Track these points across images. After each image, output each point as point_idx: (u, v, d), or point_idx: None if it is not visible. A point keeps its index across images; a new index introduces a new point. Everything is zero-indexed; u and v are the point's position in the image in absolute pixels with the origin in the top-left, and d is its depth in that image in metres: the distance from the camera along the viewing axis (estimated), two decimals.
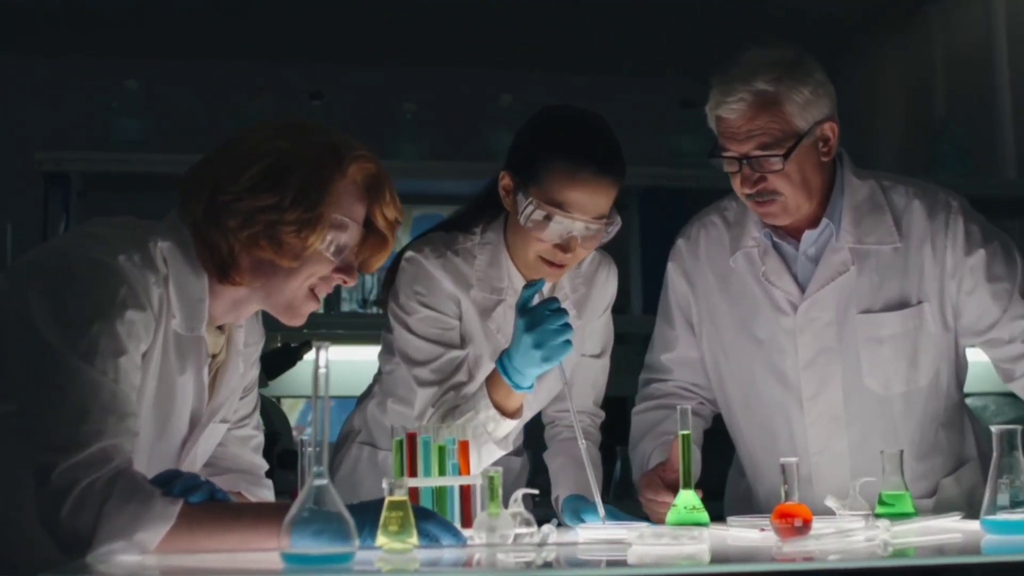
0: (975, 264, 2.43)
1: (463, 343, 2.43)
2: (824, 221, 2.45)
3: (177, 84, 4.57)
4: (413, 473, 2.08)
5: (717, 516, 2.02)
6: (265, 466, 2.18)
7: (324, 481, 1.61)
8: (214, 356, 2.02)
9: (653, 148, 4.15)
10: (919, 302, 2.44)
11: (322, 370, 1.63)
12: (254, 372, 2.17)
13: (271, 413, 3.84)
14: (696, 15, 4.46)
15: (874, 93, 4.87)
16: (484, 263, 2.45)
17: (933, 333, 2.45)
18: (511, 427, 2.32)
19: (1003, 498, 1.95)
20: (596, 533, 2.09)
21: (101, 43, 4.60)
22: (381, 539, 1.67)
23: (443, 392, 2.37)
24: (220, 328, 2.03)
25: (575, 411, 2.29)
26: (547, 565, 1.73)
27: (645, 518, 2.30)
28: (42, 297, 1.78)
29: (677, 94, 4.26)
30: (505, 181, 2.39)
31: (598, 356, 2.62)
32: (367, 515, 1.71)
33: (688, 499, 1.98)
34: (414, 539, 1.68)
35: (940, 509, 2.40)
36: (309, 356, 3.78)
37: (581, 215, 2.30)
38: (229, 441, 2.12)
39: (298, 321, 1.98)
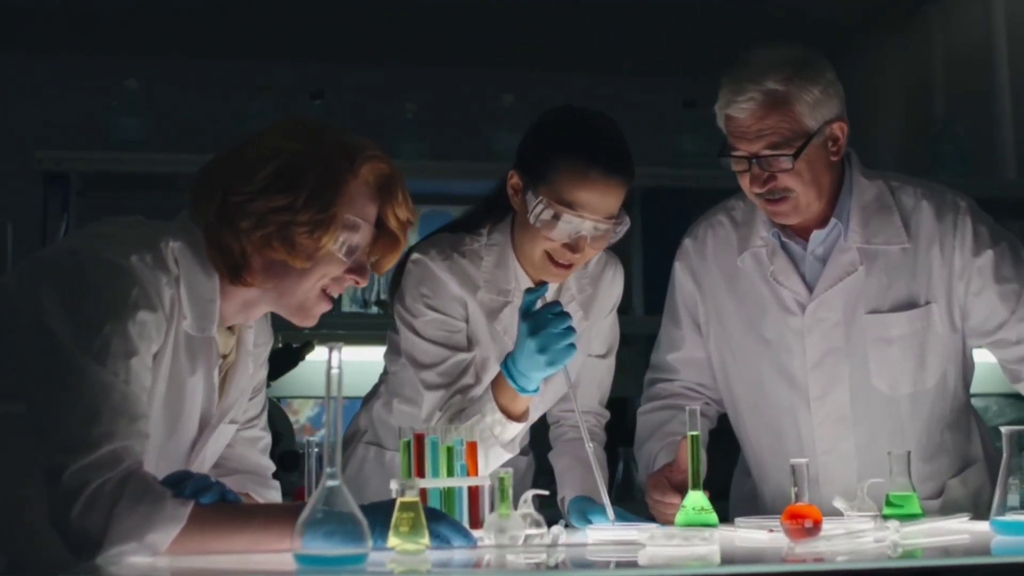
0: (983, 265, 2.43)
1: (470, 345, 2.43)
2: (832, 221, 2.45)
3: (177, 84, 4.55)
4: (421, 474, 2.07)
5: (722, 517, 2.02)
6: (272, 467, 2.17)
7: (337, 482, 1.61)
8: (224, 357, 2.01)
9: (654, 148, 4.13)
10: (927, 303, 2.44)
11: (335, 371, 1.62)
12: (263, 373, 2.16)
13: (273, 414, 3.82)
14: (697, 15, 4.45)
15: (874, 93, 4.87)
16: (491, 264, 2.45)
17: (941, 334, 2.45)
18: (518, 430, 2.31)
19: (1013, 499, 1.96)
20: (606, 534, 2.09)
21: (101, 42, 4.58)
22: (393, 540, 1.67)
23: (450, 395, 2.36)
24: (230, 329, 2.03)
25: (580, 412, 2.29)
26: (557, 566, 1.72)
27: (649, 519, 2.29)
28: (54, 297, 1.77)
29: (678, 94, 4.26)
30: (514, 180, 2.38)
31: (604, 356, 2.62)
32: (378, 516, 1.70)
33: (697, 500, 1.97)
34: (426, 540, 1.68)
35: (946, 510, 2.40)
36: (310, 357, 3.78)
37: (591, 215, 2.30)
38: (237, 442, 2.12)
39: (310, 322, 1.98)
